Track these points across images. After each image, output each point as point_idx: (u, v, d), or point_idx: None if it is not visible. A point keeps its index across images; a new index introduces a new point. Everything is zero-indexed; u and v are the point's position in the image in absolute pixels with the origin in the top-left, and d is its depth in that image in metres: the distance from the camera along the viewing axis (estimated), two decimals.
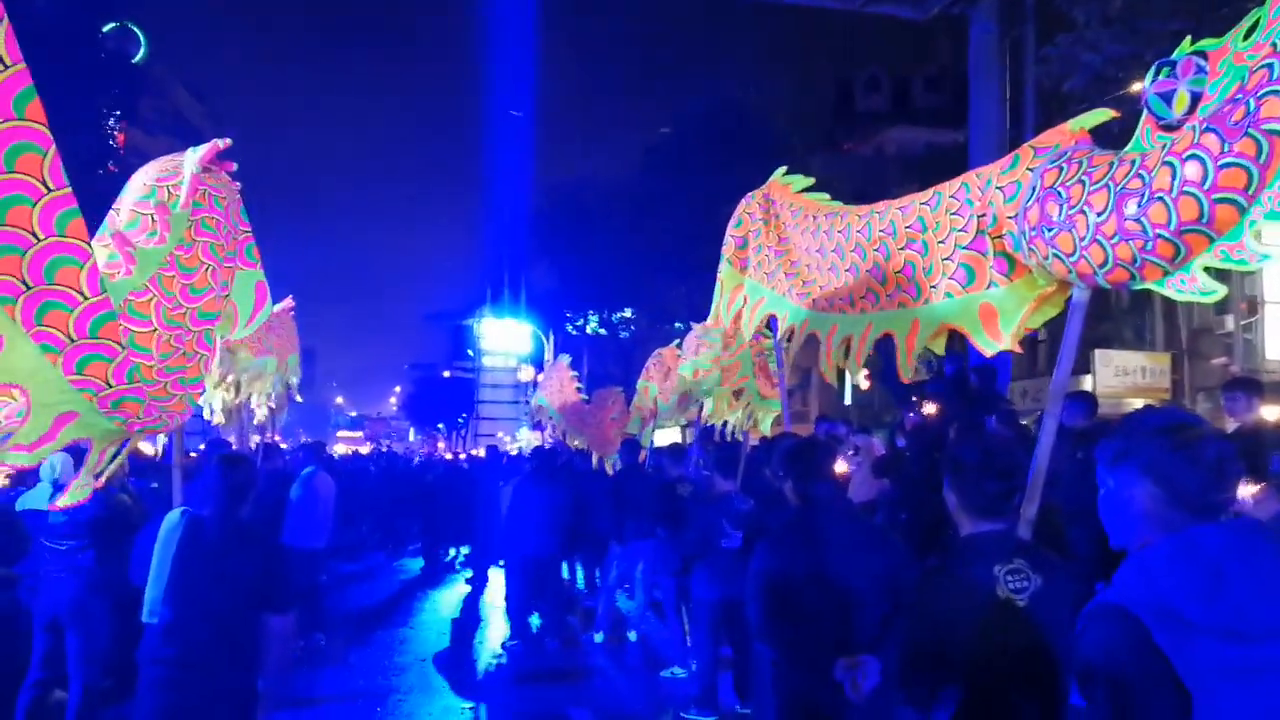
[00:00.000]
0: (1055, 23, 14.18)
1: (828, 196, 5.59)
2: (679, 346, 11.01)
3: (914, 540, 7.35)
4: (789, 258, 5.57)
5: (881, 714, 3.52)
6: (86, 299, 2.99)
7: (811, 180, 5.81)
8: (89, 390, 3.15)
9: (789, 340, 5.79)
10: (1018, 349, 3.85)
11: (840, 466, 10.10)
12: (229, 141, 4.35)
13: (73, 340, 3.01)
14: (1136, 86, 12.40)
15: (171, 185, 4.06)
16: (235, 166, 4.52)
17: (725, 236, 6.39)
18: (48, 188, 2.79)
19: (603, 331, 37.63)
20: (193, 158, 4.16)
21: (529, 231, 35.45)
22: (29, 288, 2.86)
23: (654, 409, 11.79)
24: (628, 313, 36.09)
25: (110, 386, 3.20)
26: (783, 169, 6.10)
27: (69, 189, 2.85)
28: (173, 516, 3.98)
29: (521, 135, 36.36)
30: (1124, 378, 17.06)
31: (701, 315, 9.57)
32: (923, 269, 4.14)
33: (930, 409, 9.29)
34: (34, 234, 2.81)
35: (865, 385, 23.61)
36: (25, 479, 6.97)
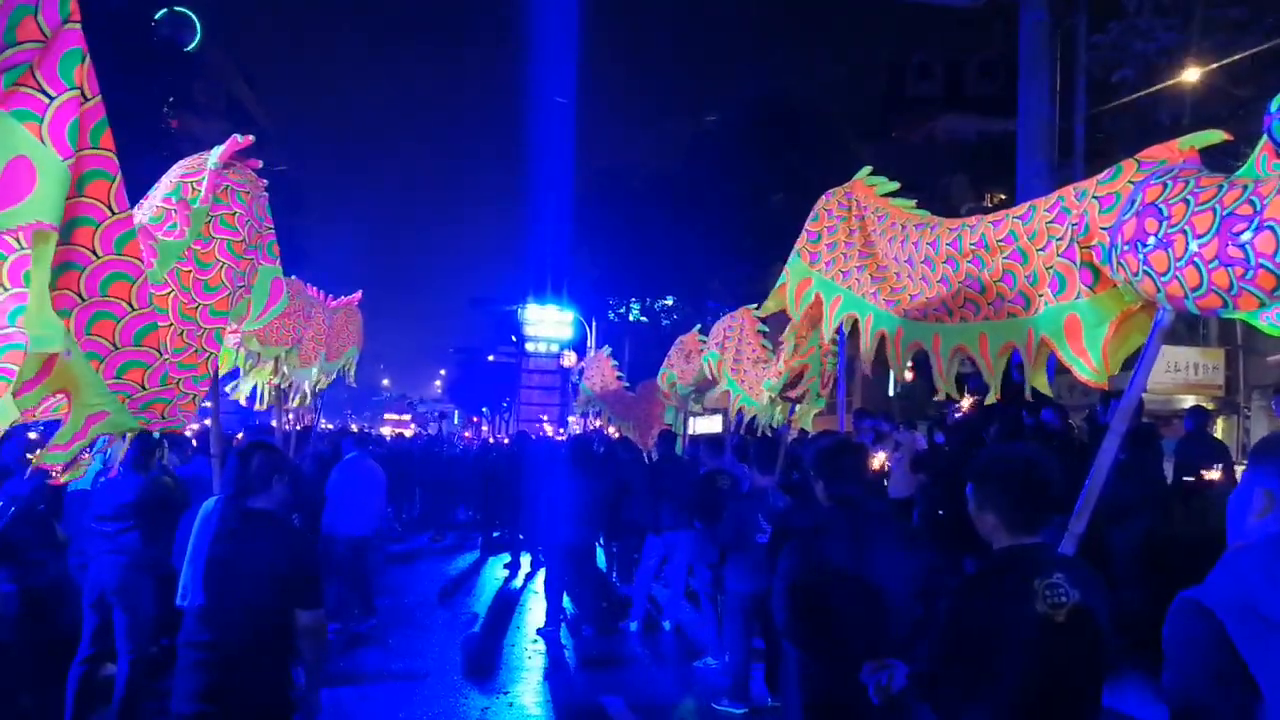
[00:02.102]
0: (1108, 11, 13.90)
1: (914, 203, 5.50)
2: (700, 333, 10.99)
3: (951, 537, 7.32)
4: (875, 263, 5.48)
5: (906, 716, 3.50)
6: (134, 310, 3.12)
7: (896, 185, 5.70)
8: (124, 393, 3.27)
9: (866, 343, 5.63)
10: (1101, 381, 3.72)
11: (878, 461, 10.08)
12: (250, 139, 4.41)
13: (116, 348, 3.13)
14: (1189, 76, 12.17)
15: (195, 181, 4.14)
16: (260, 164, 4.59)
17: (802, 229, 6.33)
18: (112, 211, 2.93)
19: (644, 319, 37.66)
20: (214, 155, 4.24)
21: (572, 218, 35.54)
22: (83, 300, 2.99)
23: (675, 394, 11.83)
24: (669, 300, 36.08)
25: (144, 389, 3.31)
26: (867, 169, 5.99)
27: (130, 212, 3.01)
28: (208, 504, 4.06)
29: (566, 122, 36.35)
30: (1176, 374, 16.64)
31: (744, 303, 9.54)
32: (1025, 277, 4.00)
33: (968, 402, 9.21)
34: (94, 252, 2.95)
35: (910, 377, 23.40)
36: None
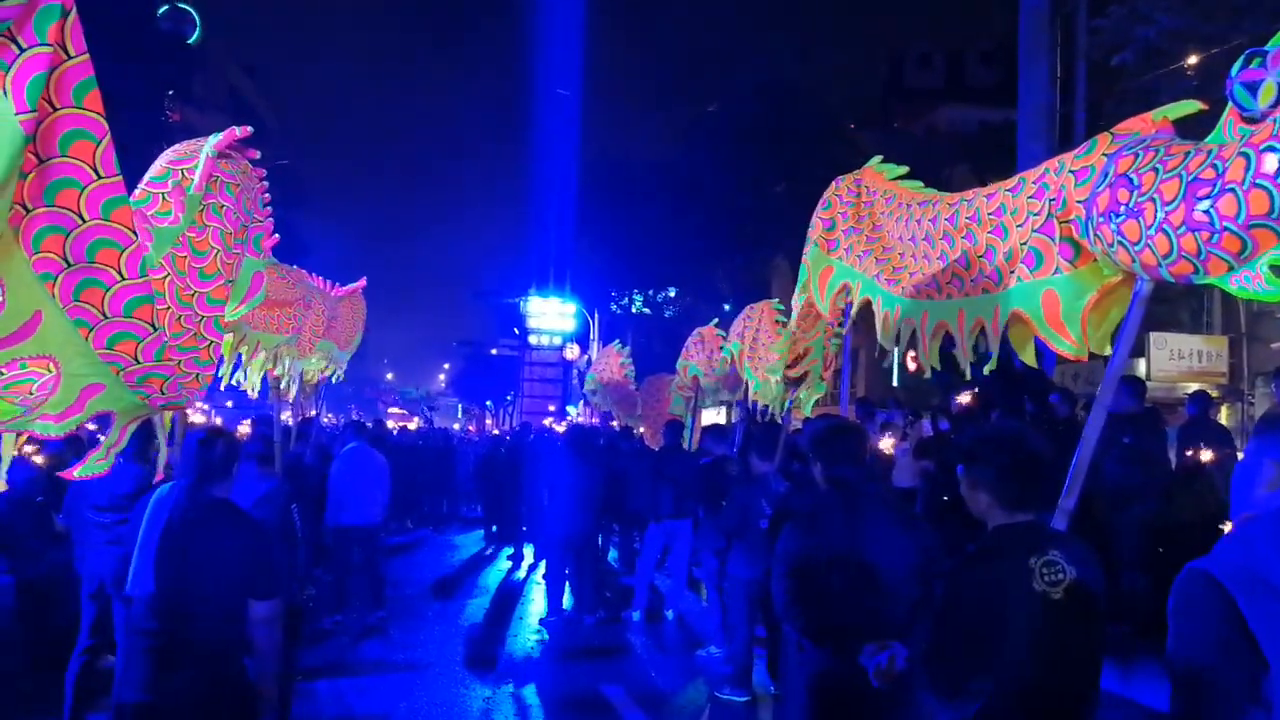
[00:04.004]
0: None
1: (921, 184, 5.47)
2: (718, 325, 10.95)
3: (954, 523, 7.28)
4: (882, 244, 5.48)
5: (907, 700, 3.49)
6: (124, 279, 3.07)
7: (905, 169, 5.70)
8: (117, 364, 3.23)
9: (885, 329, 5.62)
10: (1081, 354, 3.71)
11: (885, 446, 10.07)
12: (248, 130, 4.38)
13: (106, 317, 3.09)
14: (1190, 60, 12.10)
15: (186, 169, 4.10)
16: (258, 154, 4.55)
17: (812, 219, 6.32)
18: (98, 174, 2.88)
19: (647, 311, 37.61)
20: (210, 143, 4.20)
21: (575, 211, 35.51)
22: (69, 265, 2.94)
23: (695, 388, 11.79)
24: (672, 292, 36.02)
25: (138, 363, 3.28)
26: (878, 158, 5.99)
27: (120, 177, 2.94)
28: (161, 490, 3.97)
29: (568, 114, 36.22)
30: (1179, 361, 16.60)
31: (748, 296, 9.53)
32: (1003, 253, 4.02)
33: (966, 398, 9.17)
34: (80, 216, 2.90)
35: (913, 366, 23.38)
36: (81, 448, 7.14)
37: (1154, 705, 6.22)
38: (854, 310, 5.96)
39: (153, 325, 3.25)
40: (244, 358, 6.54)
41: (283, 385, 8.13)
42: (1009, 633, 2.78)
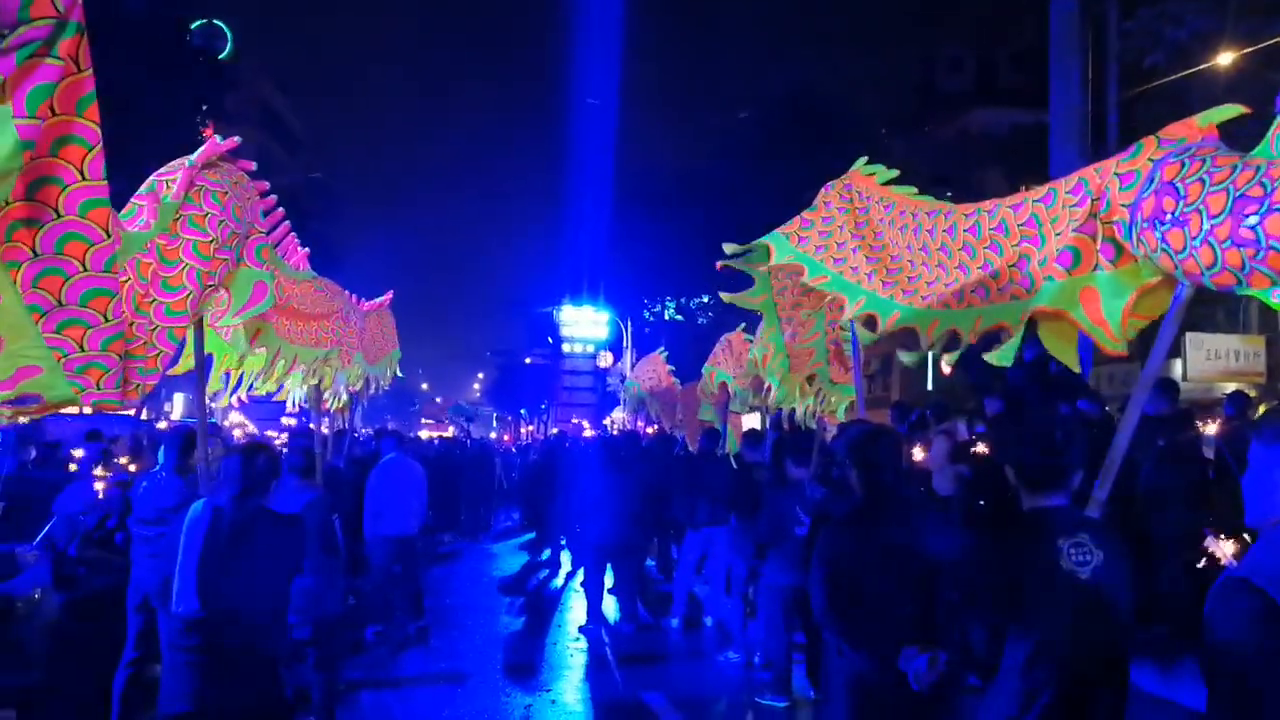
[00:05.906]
0: None
1: (915, 190, 5.49)
2: (745, 331, 10.95)
3: (990, 526, 7.25)
4: (888, 254, 5.46)
5: (947, 704, 3.51)
6: (86, 271, 3.15)
7: (895, 172, 5.71)
8: (61, 350, 3.24)
9: (870, 330, 5.64)
10: (1121, 349, 3.74)
11: (919, 454, 10.02)
12: (234, 141, 4.42)
13: (60, 304, 3.16)
14: (1222, 61, 12.01)
15: (169, 179, 4.15)
16: (254, 166, 4.60)
17: (797, 216, 6.34)
18: (83, 176, 2.99)
19: (680, 318, 37.58)
20: (193, 156, 4.25)
21: (607, 219, 35.57)
22: (36, 255, 3.03)
23: (724, 393, 11.79)
24: (705, 299, 36.01)
25: (82, 350, 3.30)
26: (863, 159, 6.00)
27: (105, 183, 3.04)
28: (196, 507, 4.03)
29: (599, 123, 36.32)
30: (1216, 361, 16.41)
31: None
32: (1038, 260, 4.04)
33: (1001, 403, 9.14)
34: (57, 211, 3.00)
35: (948, 370, 23.21)
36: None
37: (1194, 706, 6.18)
38: (851, 321, 5.97)
39: (105, 317, 3.28)
40: (281, 370, 6.54)
41: (325, 396, 8.17)
42: (1040, 608, 2.94)
